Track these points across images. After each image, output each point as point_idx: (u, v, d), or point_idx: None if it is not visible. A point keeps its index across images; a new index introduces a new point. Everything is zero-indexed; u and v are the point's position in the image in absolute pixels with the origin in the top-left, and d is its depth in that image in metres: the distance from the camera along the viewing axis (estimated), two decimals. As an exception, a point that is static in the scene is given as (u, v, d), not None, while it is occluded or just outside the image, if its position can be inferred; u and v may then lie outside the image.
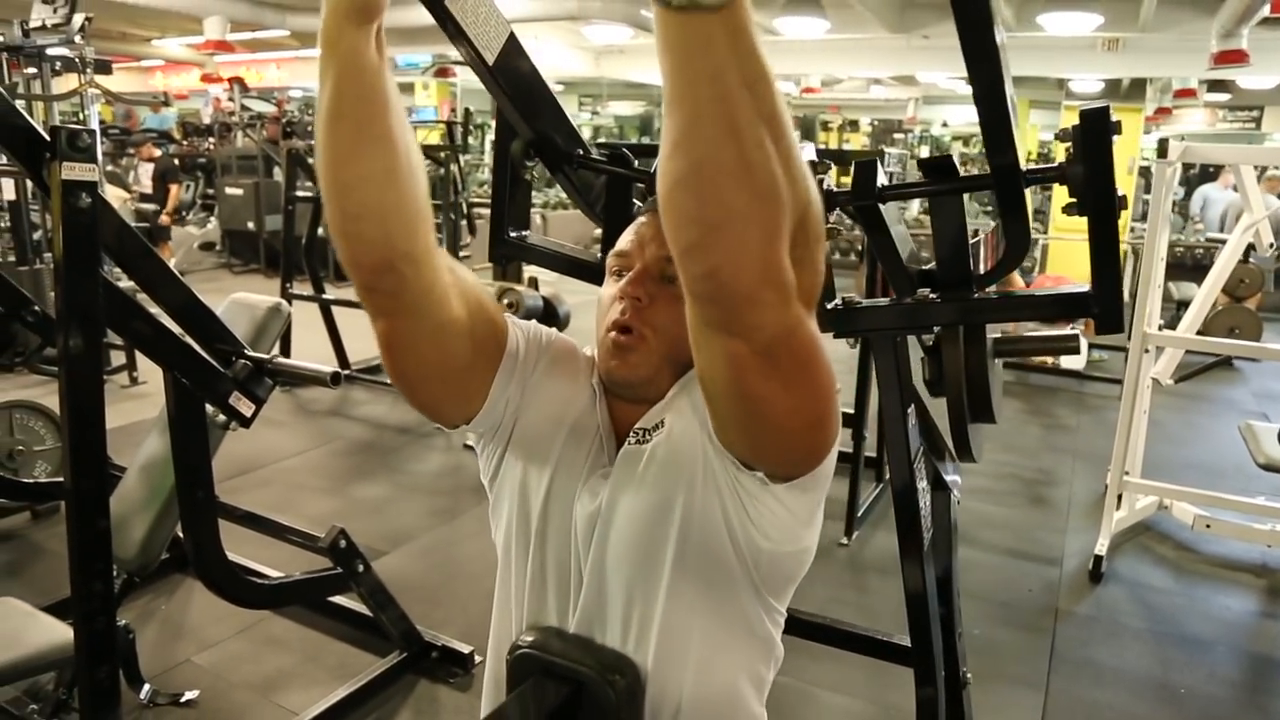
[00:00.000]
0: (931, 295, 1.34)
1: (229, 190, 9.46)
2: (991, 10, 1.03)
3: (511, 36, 1.34)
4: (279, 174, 9.68)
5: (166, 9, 8.54)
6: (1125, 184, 9.38)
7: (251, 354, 2.13)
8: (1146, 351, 3.53)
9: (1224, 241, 4.87)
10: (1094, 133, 1.17)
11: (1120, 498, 3.74)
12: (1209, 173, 10.93)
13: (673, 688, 1.03)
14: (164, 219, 8.85)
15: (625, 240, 1.08)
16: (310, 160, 5.73)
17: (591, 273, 1.55)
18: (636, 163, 1.50)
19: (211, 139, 10.61)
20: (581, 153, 1.52)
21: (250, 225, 9.30)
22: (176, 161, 9.96)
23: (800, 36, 10.73)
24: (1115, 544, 3.69)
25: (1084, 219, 1.22)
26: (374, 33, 0.83)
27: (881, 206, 1.31)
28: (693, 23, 0.62)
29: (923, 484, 1.50)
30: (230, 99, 10.61)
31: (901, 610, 1.73)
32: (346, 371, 5.93)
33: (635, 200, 1.54)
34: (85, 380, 1.78)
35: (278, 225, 9.24)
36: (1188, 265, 8.13)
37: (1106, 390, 6.17)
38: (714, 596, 1.02)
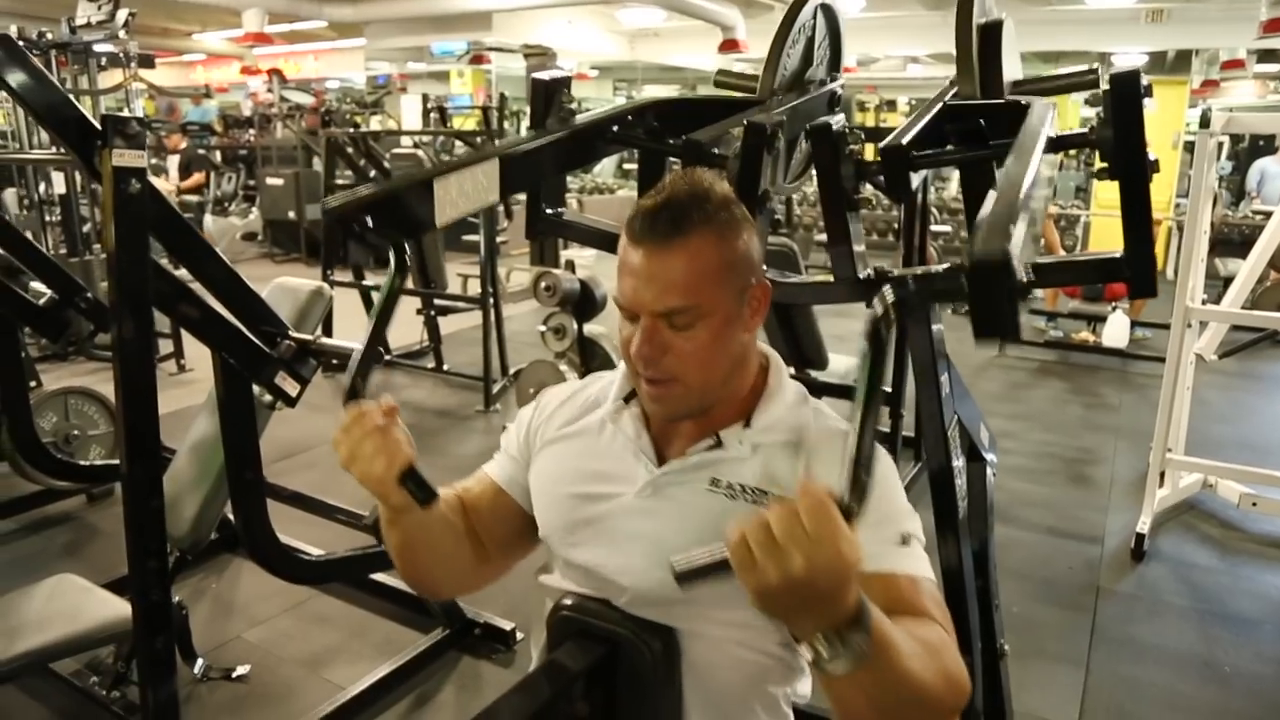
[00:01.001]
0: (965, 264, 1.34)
1: (270, 181, 9.61)
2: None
3: (500, 161, 1.37)
4: (318, 164, 9.84)
5: (206, 3, 8.68)
6: (1170, 159, 9.18)
7: (295, 335, 2.18)
8: (1189, 326, 3.48)
9: (1267, 214, 4.75)
10: (1124, 96, 1.17)
11: (1163, 476, 3.69)
12: (1260, 146, 10.66)
13: (707, 667, 1.06)
14: (172, 194, 8.89)
15: (621, 276, 1.06)
16: (349, 149, 5.81)
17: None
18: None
19: (252, 130, 10.77)
20: (615, 129, 1.54)
21: (291, 215, 9.44)
22: (202, 151, 10.12)
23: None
24: (1158, 522, 3.64)
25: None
26: (415, 516, 1.07)
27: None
28: (836, 678, 0.79)
29: (958, 458, 1.50)
30: (269, 90, 10.76)
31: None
32: (388, 356, 6.04)
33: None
34: (138, 359, 1.84)
35: (318, 214, 9.42)
36: (1236, 241, 7.94)
37: (1150, 369, 6.06)
38: (759, 630, 1.06)
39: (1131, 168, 1.18)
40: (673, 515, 1.07)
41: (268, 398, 2.23)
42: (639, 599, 1.06)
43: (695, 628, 1.05)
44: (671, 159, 1.57)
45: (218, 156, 10.65)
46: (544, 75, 1.57)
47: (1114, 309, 6.12)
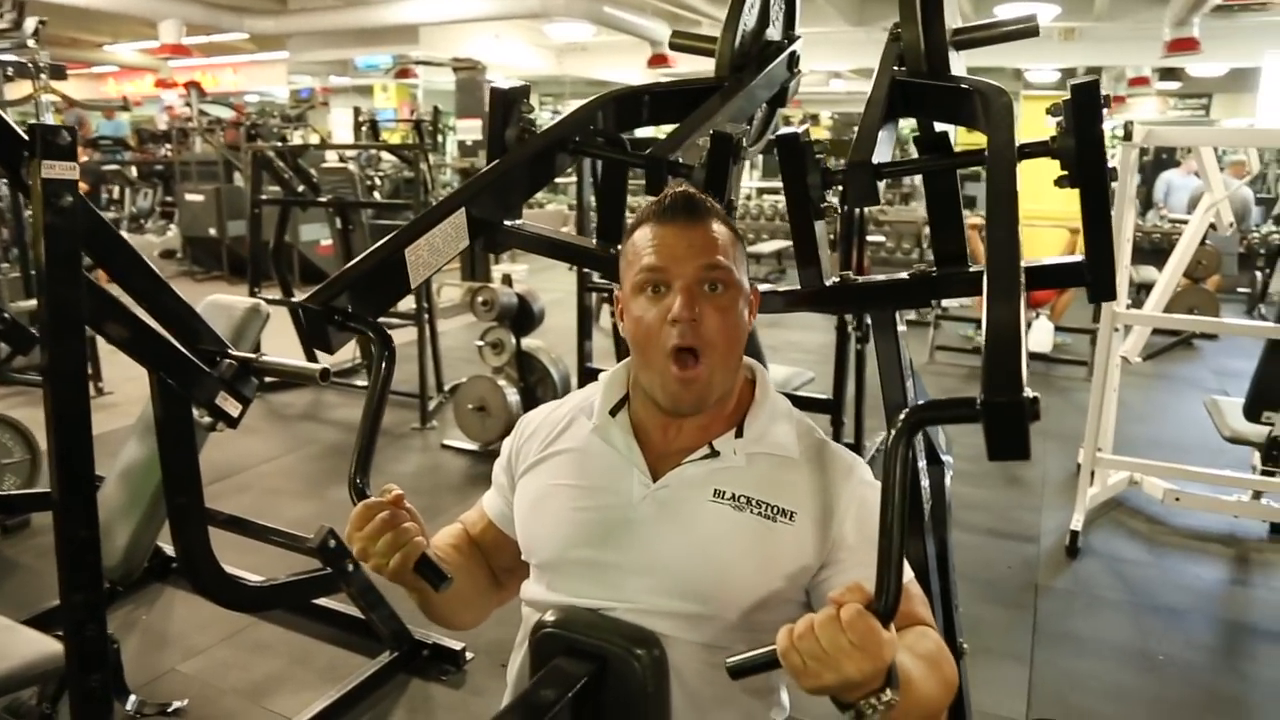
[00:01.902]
0: (930, 270, 1.36)
1: (189, 197, 9.31)
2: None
3: (466, 209, 1.35)
4: (240, 179, 9.57)
5: (120, 12, 8.39)
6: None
7: (237, 353, 2.10)
8: (1116, 330, 3.61)
9: (1185, 223, 4.97)
10: (1085, 106, 1.20)
11: (1093, 474, 3.81)
12: (1164, 160, 11.17)
13: (705, 669, 1.05)
14: None
15: (649, 253, 1.08)
16: (276, 162, 5.67)
17: (589, 259, 1.55)
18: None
19: (169, 145, 10.42)
20: (577, 139, 1.52)
21: (212, 231, 9.16)
22: (115, 167, 9.77)
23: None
24: (1090, 520, 3.76)
25: (1053, 205, 1.25)
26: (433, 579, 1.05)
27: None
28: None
29: (921, 460, 1.52)
30: (187, 104, 10.44)
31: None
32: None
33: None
34: (71, 382, 1.75)
35: (240, 231, 9.15)
36: (1146, 249, 8.30)
37: (1072, 372, 6.30)
38: (764, 613, 1.08)
39: (1092, 176, 1.21)
40: (682, 526, 1.07)
41: (207, 419, 2.14)
42: (652, 608, 1.06)
43: (685, 635, 1.04)
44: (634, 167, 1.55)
45: (133, 172, 10.28)
46: (503, 85, 1.55)
47: (1037, 315, 6.32)
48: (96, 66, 15.10)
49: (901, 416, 0.85)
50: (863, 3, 10.52)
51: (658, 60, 11.28)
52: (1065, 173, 1.25)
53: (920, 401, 1.50)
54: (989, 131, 1.20)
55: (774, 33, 1.82)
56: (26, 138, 1.66)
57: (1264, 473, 3.58)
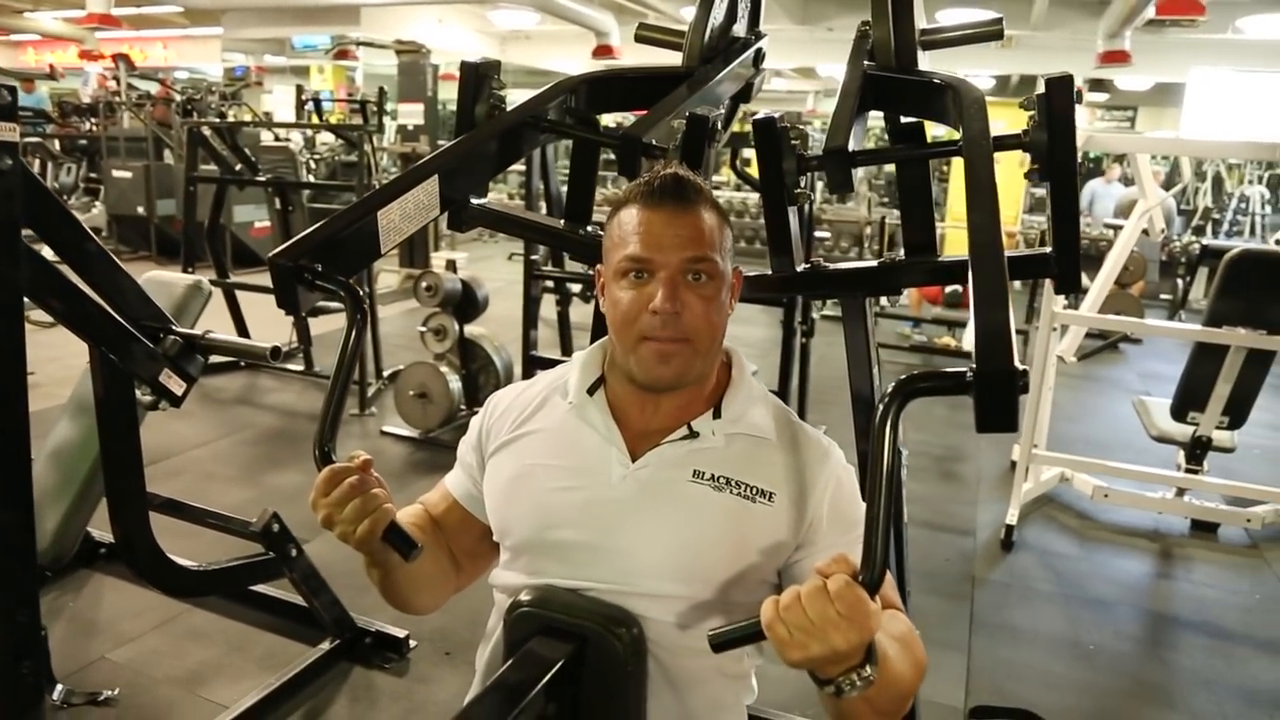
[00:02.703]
0: (899, 258, 1.38)
1: (116, 173, 8.96)
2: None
3: (440, 175, 1.33)
4: (170, 156, 9.25)
5: (45, -22, 8.03)
6: (1017, 176, 9.81)
7: (182, 330, 2.03)
8: (1054, 330, 3.71)
9: (1117, 228, 5.14)
10: (1058, 102, 1.23)
11: (1027, 470, 3.92)
12: (1090, 169, 11.54)
13: (682, 647, 1.05)
14: None
15: (635, 240, 1.07)
16: (213, 139, 5.49)
17: (557, 239, 1.54)
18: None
19: (94, 119, 10.02)
20: (549, 118, 1.51)
21: (140, 210, 8.84)
22: (36, 139, 9.36)
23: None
24: (1023, 514, 3.87)
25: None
26: (403, 559, 1.03)
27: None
28: (850, 699, 0.87)
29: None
30: (114, 78, 10.05)
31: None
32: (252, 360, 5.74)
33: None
34: (8, 357, 1.67)
35: (170, 210, 8.85)
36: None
37: (1005, 372, 6.46)
38: (751, 600, 1.06)
39: (1062, 170, 1.24)
40: (661, 505, 1.07)
41: (148, 398, 2.06)
42: (630, 588, 1.05)
43: (662, 616, 1.04)
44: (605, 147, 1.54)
45: (55, 145, 9.86)
46: (474, 60, 1.52)
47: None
48: (15, 34, 14.43)
49: (892, 387, 0.86)
50: (806, 1, 10.63)
51: (603, 51, 11.24)
52: (1035, 166, 1.28)
53: (878, 384, 1.53)
54: (964, 123, 1.22)
55: (740, 29, 1.84)
56: (-36, 96, 1.58)
57: (1188, 470, 3.72)
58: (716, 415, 1.11)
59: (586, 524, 1.07)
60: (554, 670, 0.97)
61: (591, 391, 1.14)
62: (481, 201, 1.59)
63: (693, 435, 1.10)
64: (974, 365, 0.85)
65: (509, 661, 1.01)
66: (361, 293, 1.17)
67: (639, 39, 1.91)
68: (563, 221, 1.58)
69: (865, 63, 1.47)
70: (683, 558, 1.04)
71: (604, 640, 0.99)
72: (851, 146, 1.27)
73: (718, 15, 1.71)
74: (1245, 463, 4.49)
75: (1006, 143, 1.26)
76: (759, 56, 1.85)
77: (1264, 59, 8.90)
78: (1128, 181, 8.94)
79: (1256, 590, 3.44)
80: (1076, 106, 1.33)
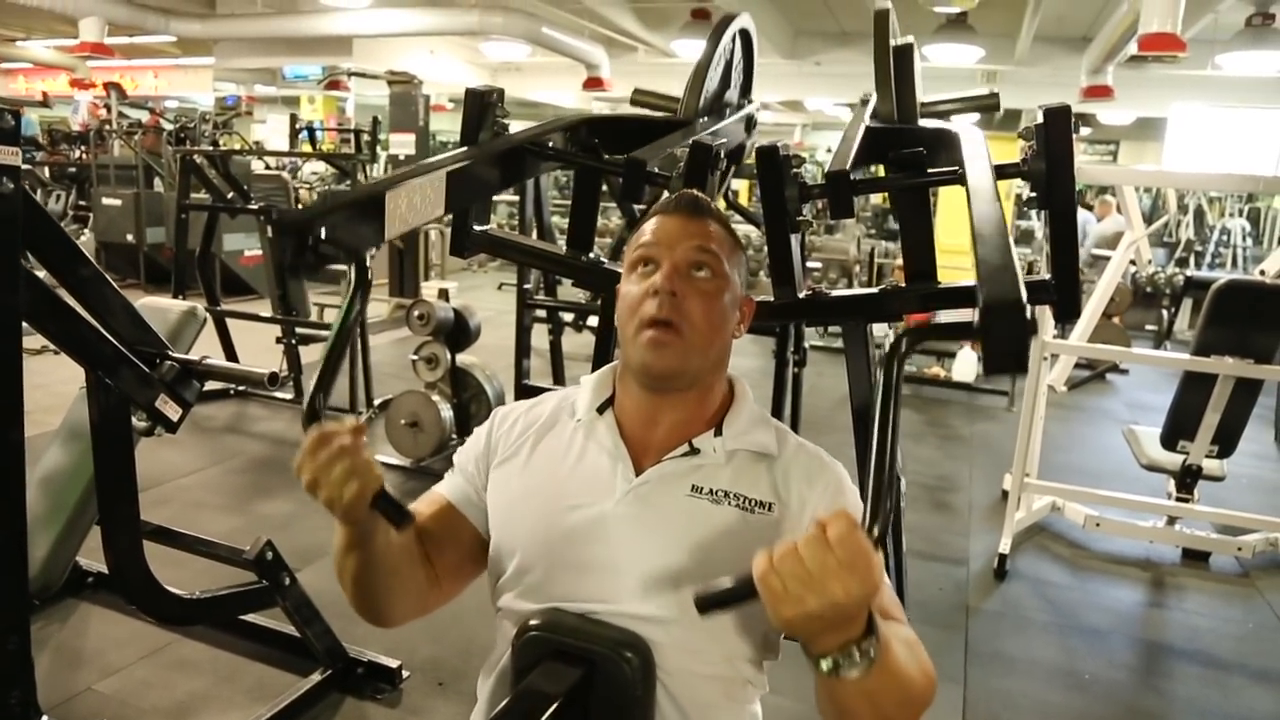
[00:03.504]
0: (899, 284, 1.40)
1: (106, 201, 8.95)
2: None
3: (448, 178, 1.34)
4: (160, 185, 9.25)
5: (38, 7, 8.06)
6: (1003, 208, 9.90)
7: (178, 355, 2.03)
8: (1045, 359, 3.74)
9: (1105, 259, 5.21)
10: (1056, 131, 1.25)
11: (1019, 499, 3.93)
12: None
13: (687, 673, 1.04)
14: None
15: (648, 237, 1.12)
16: (204, 165, 5.51)
17: (561, 265, 1.55)
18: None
19: (84, 147, 10.01)
20: (551, 146, 1.52)
21: (130, 237, 8.82)
22: (26, 166, 9.37)
23: (695, 60, 10.97)
24: (1015, 544, 3.87)
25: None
26: (376, 538, 1.02)
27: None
28: (847, 682, 0.82)
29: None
30: (106, 106, 10.06)
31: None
32: (242, 388, 5.70)
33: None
34: (3, 380, 1.66)
35: (159, 238, 8.84)
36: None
37: (994, 402, 6.50)
38: (739, 640, 1.07)
39: (1061, 198, 1.26)
40: (659, 521, 1.06)
41: (143, 424, 2.05)
42: (628, 609, 1.04)
43: (670, 638, 1.03)
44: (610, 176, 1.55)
45: (45, 173, 9.85)
46: (478, 87, 1.54)
47: (962, 345, 6.52)
48: (6, 63, 14.46)
49: (904, 330, 0.86)
50: (795, 36, 10.78)
51: (593, 83, 11.34)
52: (1034, 194, 1.30)
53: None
54: (966, 157, 1.24)
55: (733, 96, 1.90)
56: (-33, 120, 1.59)
57: (1178, 499, 3.74)
58: (718, 434, 1.11)
59: (591, 541, 1.06)
60: (562, 696, 0.96)
61: (601, 411, 1.15)
62: (484, 228, 1.60)
63: (694, 452, 1.09)
64: (980, 303, 0.82)
65: (517, 687, 1.00)
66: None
67: (634, 103, 1.95)
68: (564, 249, 1.59)
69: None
70: (678, 572, 1.03)
71: (613, 665, 0.99)
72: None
73: (713, 79, 1.76)
74: (1235, 492, 4.51)
75: (1007, 171, 1.29)
76: (751, 123, 1.90)
77: (1242, 95, 9.07)
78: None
79: (1249, 619, 3.45)
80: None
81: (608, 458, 1.11)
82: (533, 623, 1.04)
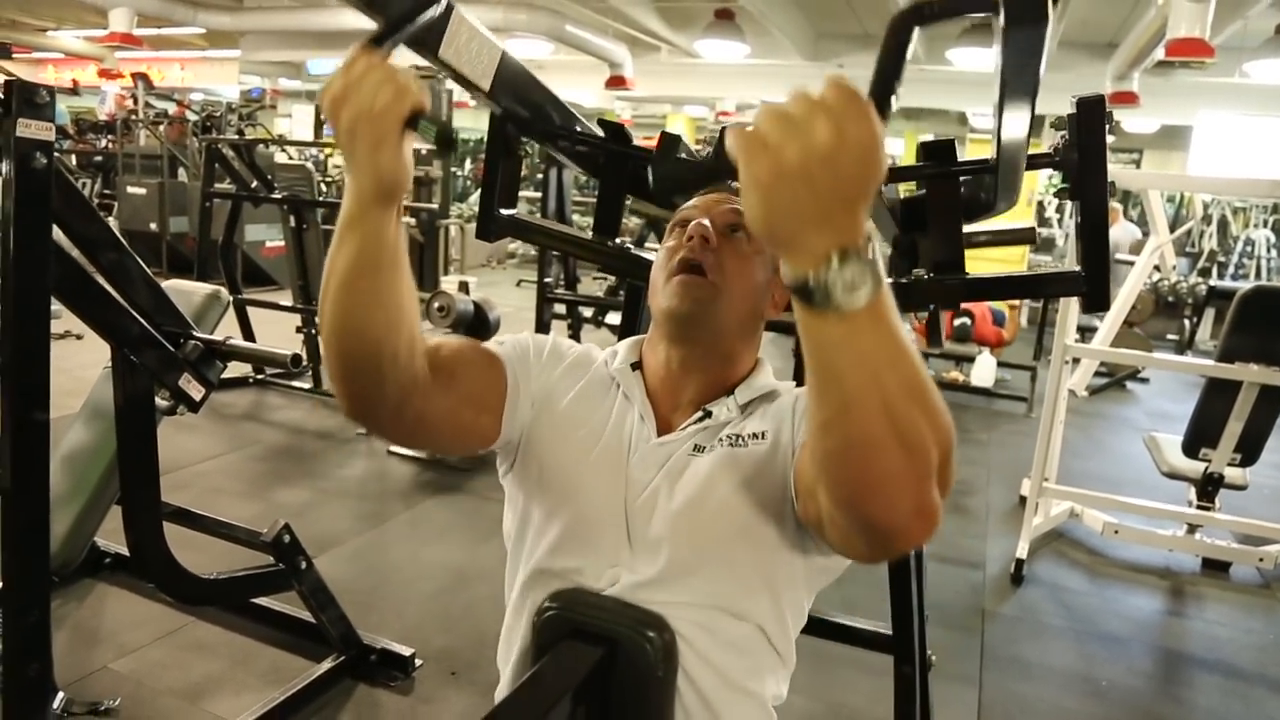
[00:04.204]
0: (928, 275, 1.38)
1: (130, 189, 9.03)
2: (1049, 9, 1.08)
3: (503, 55, 1.35)
4: (184, 175, 9.32)
5: (69, -3, 8.15)
6: (1023, 216, 9.85)
7: (203, 336, 2.04)
8: (1066, 363, 3.71)
9: (1129, 263, 5.16)
10: (1089, 121, 1.24)
11: (1037, 505, 3.90)
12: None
13: (706, 664, 1.03)
14: None
15: (688, 205, 1.14)
16: (229, 155, 5.55)
17: (589, 251, 1.54)
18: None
19: (111, 136, 10.11)
20: (579, 130, 1.52)
21: (153, 226, 8.90)
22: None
23: (720, 60, 10.97)
24: (1032, 549, 3.84)
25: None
26: (395, 210, 0.88)
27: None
28: (837, 322, 0.65)
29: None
30: (133, 96, 10.16)
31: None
32: (260, 376, 5.74)
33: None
34: (31, 354, 1.67)
35: (182, 227, 8.90)
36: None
37: (1013, 407, 6.45)
38: (762, 590, 1.05)
39: (1093, 190, 1.25)
40: (669, 485, 1.05)
41: (166, 403, 2.07)
42: (632, 578, 1.03)
43: (687, 616, 1.02)
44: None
45: (71, 161, 9.95)
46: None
47: (981, 350, 6.48)
48: (37, 52, 14.62)
49: None
50: (817, 39, 10.74)
51: (615, 81, 11.35)
52: (1066, 185, 1.28)
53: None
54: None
55: None
56: (1, 95, 1.60)
57: (1199, 507, 3.70)
58: (730, 394, 1.10)
59: (612, 504, 1.06)
60: (584, 675, 0.96)
61: (635, 367, 1.15)
62: (510, 211, 1.60)
63: (706, 415, 1.09)
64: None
65: (536, 665, 1.00)
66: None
67: None
68: (591, 233, 1.59)
69: None
70: (679, 531, 1.02)
71: (635, 644, 0.98)
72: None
73: None
74: (1257, 502, 4.46)
75: (1038, 161, 1.27)
76: None
77: (1270, 104, 8.97)
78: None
79: (1270, 630, 3.41)
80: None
81: (634, 412, 1.11)
82: (552, 602, 1.04)
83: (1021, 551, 3.70)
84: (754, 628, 1.05)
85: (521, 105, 1.44)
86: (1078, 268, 1.30)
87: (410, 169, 0.86)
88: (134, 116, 9.89)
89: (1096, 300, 1.30)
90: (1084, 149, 1.24)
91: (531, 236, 1.58)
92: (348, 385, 0.94)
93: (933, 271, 1.43)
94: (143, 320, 1.89)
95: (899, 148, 15.01)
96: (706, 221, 1.07)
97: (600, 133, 1.52)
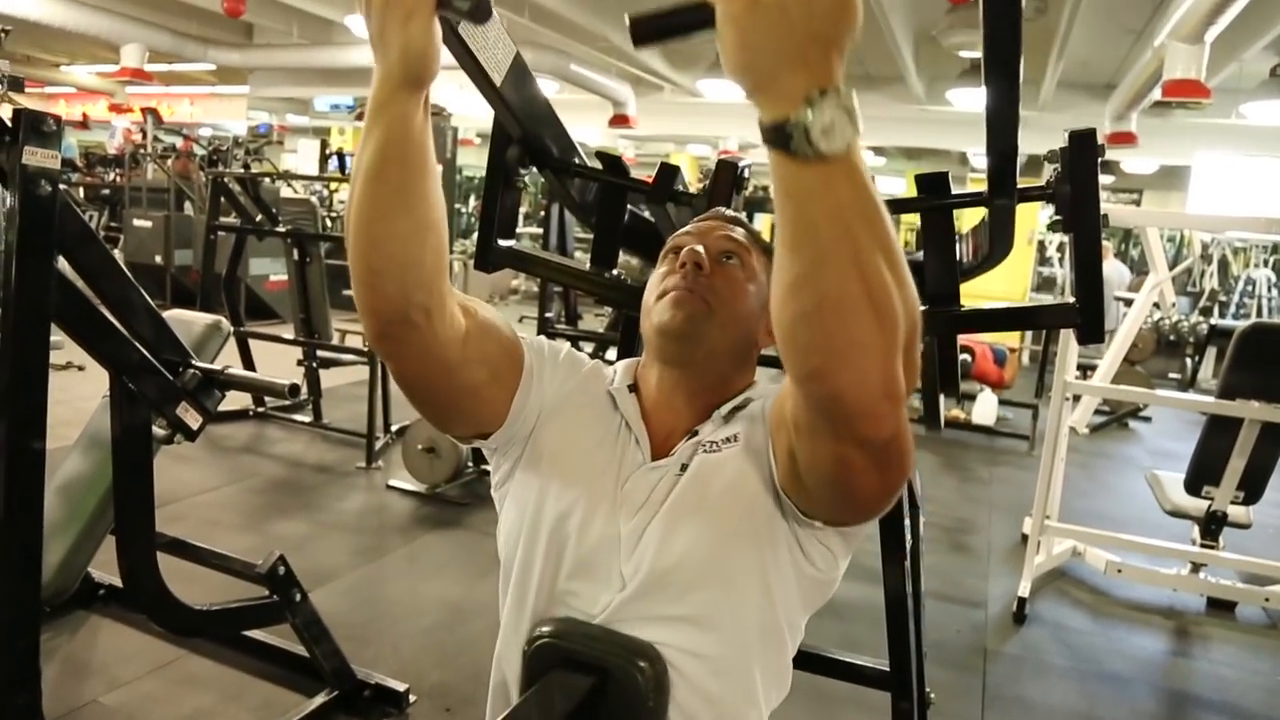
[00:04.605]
0: (924, 307, 1.39)
1: (137, 222, 9.11)
2: (1020, 35, 1.10)
3: (517, 56, 1.36)
4: (190, 208, 9.40)
5: (84, 33, 8.28)
6: (1025, 254, 9.90)
7: (201, 364, 2.04)
8: (1066, 400, 3.70)
9: (1129, 300, 5.17)
10: (1081, 153, 1.25)
11: (1039, 543, 3.87)
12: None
13: (700, 689, 1.02)
14: None
15: (684, 230, 1.15)
16: (235, 189, 5.60)
17: (586, 282, 1.55)
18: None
19: (119, 170, 10.22)
20: (579, 162, 1.53)
21: (158, 259, 8.96)
22: (60, 186, 9.56)
23: (722, 100, 11.09)
24: (1035, 588, 3.80)
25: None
26: (423, 99, 0.88)
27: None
28: (813, 169, 0.65)
29: (905, 496, 1.53)
30: (142, 130, 10.28)
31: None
32: (261, 409, 5.74)
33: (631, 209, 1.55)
34: (30, 381, 1.68)
35: (188, 260, 8.96)
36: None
37: (1014, 445, 6.43)
38: (755, 607, 1.03)
39: (1085, 221, 1.26)
40: (669, 495, 1.04)
41: (163, 431, 2.07)
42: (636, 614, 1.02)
43: (679, 641, 1.01)
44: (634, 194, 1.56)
45: (79, 194, 10.05)
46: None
47: (982, 389, 6.47)
48: (50, 87, 14.82)
49: None
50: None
51: (619, 120, 11.49)
52: (1059, 218, 1.29)
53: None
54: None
55: None
56: (9, 123, 1.62)
57: (1203, 545, 3.67)
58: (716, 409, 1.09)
59: (607, 530, 1.04)
60: (573, 705, 0.95)
61: (632, 389, 1.13)
62: (509, 243, 1.61)
63: (693, 436, 1.07)
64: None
65: (526, 694, 0.99)
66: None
67: None
68: (589, 265, 1.60)
69: None
70: (668, 553, 1.01)
71: (626, 674, 0.97)
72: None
73: None
74: (1262, 541, 4.42)
75: (1031, 194, 1.28)
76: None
77: (1267, 144, 9.05)
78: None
79: (1278, 671, 3.36)
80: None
81: (629, 433, 1.09)
82: (544, 630, 1.03)
83: (1024, 590, 3.67)
84: (748, 650, 1.03)
85: (528, 115, 1.45)
86: (1072, 300, 1.31)
87: (439, 53, 0.85)
88: (142, 150, 10.00)
89: (1091, 331, 1.30)
90: (1076, 181, 1.25)
91: (529, 267, 1.59)
92: (371, 293, 0.91)
93: (928, 304, 1.43)
94: (141, 348, 1.89)
95: (900, 186, 15.12)
96: (700, 248, 1.07)
97: (598, 164, 1.54)
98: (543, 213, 8.18)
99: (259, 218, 5.56)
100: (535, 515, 1.08)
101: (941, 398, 1.62)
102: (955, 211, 1.39)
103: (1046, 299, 10.69)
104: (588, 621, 1.03)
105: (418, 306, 0.92)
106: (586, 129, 12.85)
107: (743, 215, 1.17)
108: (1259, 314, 10.79)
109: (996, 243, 1.37)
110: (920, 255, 1.39)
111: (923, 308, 1.40)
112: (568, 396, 1.12)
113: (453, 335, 0.98)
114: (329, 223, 10.14)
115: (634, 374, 1.16)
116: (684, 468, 1.05)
